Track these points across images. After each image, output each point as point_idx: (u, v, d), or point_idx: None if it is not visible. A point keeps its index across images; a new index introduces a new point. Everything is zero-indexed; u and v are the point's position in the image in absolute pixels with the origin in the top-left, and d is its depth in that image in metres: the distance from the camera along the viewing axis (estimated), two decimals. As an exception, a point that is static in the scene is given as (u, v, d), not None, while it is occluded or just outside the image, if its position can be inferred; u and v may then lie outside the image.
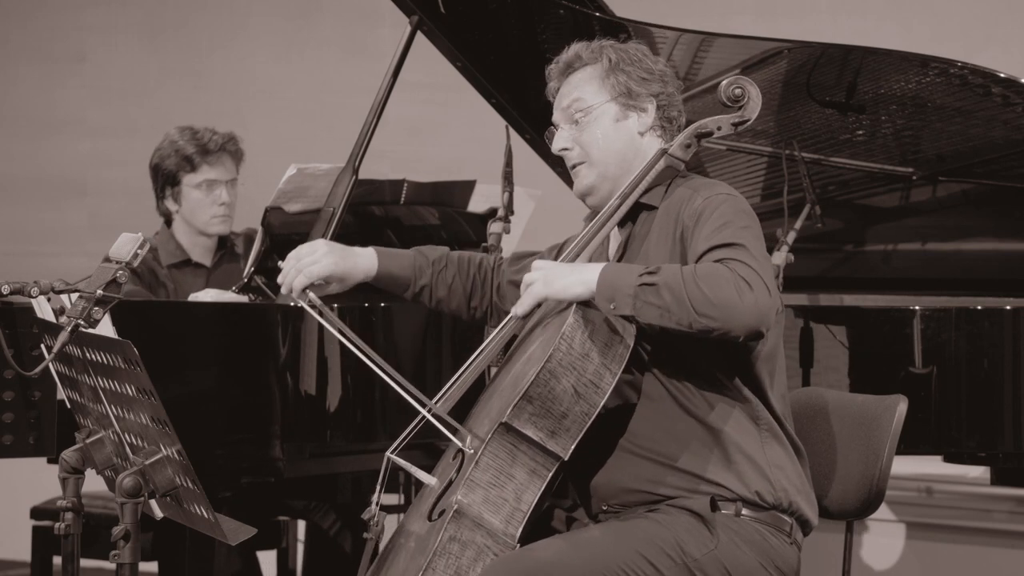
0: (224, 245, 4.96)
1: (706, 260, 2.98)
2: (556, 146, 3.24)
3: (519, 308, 3.08)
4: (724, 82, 3.18)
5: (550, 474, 2.98)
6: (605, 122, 3.21)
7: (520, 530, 2.94)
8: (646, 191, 3.17)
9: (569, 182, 3.28)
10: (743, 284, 2.91)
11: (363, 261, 3.37)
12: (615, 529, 3.02)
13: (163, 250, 4.86)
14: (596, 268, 3.00)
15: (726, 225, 3.03)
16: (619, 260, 3.19)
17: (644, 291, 2.93)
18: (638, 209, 3.19)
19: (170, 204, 4.89)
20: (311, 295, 3.24)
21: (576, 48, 3.27)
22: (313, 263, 3.26)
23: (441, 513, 2.95)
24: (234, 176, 4.90)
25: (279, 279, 3.28)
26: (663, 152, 3.16)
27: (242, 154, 4.92)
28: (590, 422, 2.97)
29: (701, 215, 3.07)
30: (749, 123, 3.20)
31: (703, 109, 3.98)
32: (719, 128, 3.18)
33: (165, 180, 4.87)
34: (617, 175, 3.20)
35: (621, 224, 3.20)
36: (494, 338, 3.15)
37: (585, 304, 3.00)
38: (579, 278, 3.00)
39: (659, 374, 3.08)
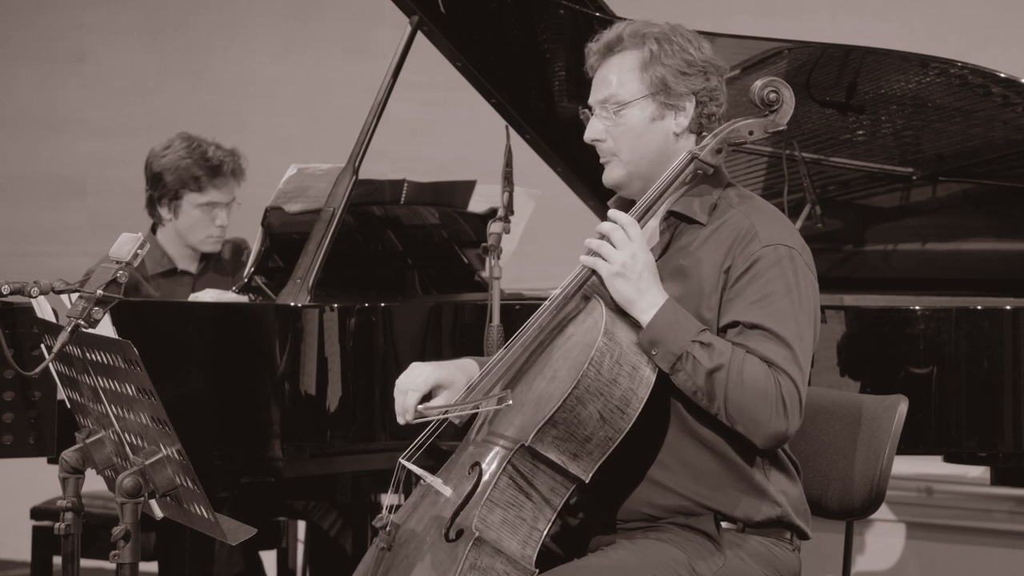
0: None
1: (752, 339, 2.95)
2: (589, 136, 3.13)
3: (586, 260, 3.00)
4: (758, 83, 3.06)
5: (568, 493, 2.97)
6: (641, 120, 3.08)
7: (536, 551, 2.94)
8: (679, 198, 3.08)
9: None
10: (781, 409, 2.93)
11: (467, 368, 3.23)
12: (631, 552, 2.99)
13: (149, 258, 4.81)
14: (656, 303, 2.95)
15: (779, 296, 2.98)
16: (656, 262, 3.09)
17: (688, 361, 2.92)
18: (678, 217, 3.10)
19: (164, 212, 4.87)
20: (420, 408, 3.25)
21: (619, 28, 3.13)
22: (417, 376, 3.20)
23: (459, 533, 2.93)
24: (233, 197, 4.90)
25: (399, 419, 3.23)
26: (692, 157, 3.05)
27: (243, 172, 4.91)
28: (614, 446, 2.94)
29: (756, 263, 3.00)
30: (783, 129, 3.08)
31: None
32: (751, 133, 3.07)
33: (164, 192, 4.84)
34: (648, 174, 3.10)
35: (662, 221, 3.12)
36: (552, 304, 3.02)
37: (618, 312, 2.97)
38: (636, 300, 2.95)
39: (671, 399, 3.03)
